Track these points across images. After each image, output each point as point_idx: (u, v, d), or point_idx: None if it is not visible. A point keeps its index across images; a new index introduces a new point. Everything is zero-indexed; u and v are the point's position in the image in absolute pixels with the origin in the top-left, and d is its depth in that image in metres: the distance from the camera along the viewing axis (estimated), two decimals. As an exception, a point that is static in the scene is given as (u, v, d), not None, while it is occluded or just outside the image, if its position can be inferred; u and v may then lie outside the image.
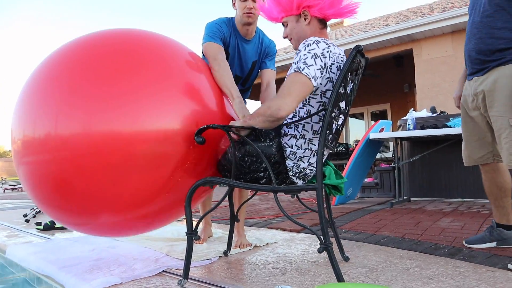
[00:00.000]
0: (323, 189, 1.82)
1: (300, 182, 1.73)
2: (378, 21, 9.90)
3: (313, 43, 1.61)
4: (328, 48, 1.64)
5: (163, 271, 1.97)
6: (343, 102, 1.69)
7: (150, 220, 1.86)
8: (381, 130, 4.50)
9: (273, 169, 1.65)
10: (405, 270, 1.84)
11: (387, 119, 9.78)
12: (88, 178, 1.59)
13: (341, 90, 1.61)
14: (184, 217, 1.73)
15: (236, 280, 1.78)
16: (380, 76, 9.32)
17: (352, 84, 1.74)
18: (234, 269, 1.96)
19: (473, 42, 1.99)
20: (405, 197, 4.49)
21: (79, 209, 1.71)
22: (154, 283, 1.79)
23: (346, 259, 2.03)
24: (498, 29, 1.87)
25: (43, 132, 1.61)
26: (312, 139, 1.67)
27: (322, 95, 1.65)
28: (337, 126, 1.76)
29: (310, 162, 1.70)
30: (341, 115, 1.72)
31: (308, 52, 1.58)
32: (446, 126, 4.02)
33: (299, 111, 1.69)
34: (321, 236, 1.50)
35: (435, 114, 4.58)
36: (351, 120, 11.59)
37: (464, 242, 2.27)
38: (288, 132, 1.69)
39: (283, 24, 1.85)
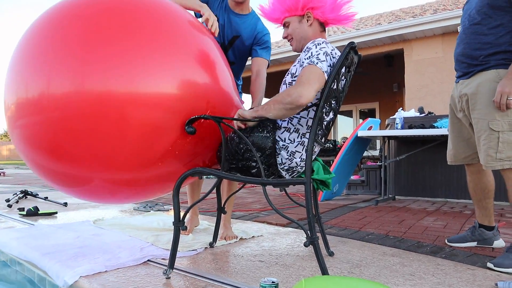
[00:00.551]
0: (311, 184, 1.83)
1: (287, 176, 1.75)
2: (370, 20, 9.94)
3: (322, 43, 1.66)
4: (333, 50, 1.70)
5: (148, 260, 1.96)
6: (335, 98, 1.70)
7: (139, 189, 1.82)
8: (370, 128, 4.54)
9: (265, 161, 1.66)
10: (389, 267, 1.87)
11: (375, 118, 9.86)
12: (80, 140, 1.55)
13: (333, 86, 1.62)
14: (172, 207, 1.73)
15: (221, 272, 1.79)
16: (370, 74, 9.39)
17: (344, 81, 1.75)
18: (219, 261, 1.97)
19: (461, 47, 2.06)
20: (390, 196, 4.55)
21: (71, 172, 1.68)
22: (139, 272, 1.78)
23: (331, 254, 2.06)
24: (484, 36, 1.95)
25: (36, 92, 1.56)
26: (305, 134, 1.68)
27: (321, 92, 1.67)
28: (328, 122, 1.77)
29: (302, 158, 1.71)
30: (332, 111, 1.73)
31: (320, 49, 1.62)
32: (433, 127, 4.07)
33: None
34: (308, 230, 1.52)
35: (423, 115, 4.64)
36: (339, 117, 11.66)
37: (446, 241, 2.32)
38: (282, 125, 1.70)
39: (284, 25, 1.87)
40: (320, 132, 1.66)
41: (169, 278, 1.70)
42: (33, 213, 3.41)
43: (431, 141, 4.32)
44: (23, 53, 1.68)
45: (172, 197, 1.70)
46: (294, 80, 1.71)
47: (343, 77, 1.70)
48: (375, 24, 8.30)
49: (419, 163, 4.62)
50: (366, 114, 11.10)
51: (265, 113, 1.63)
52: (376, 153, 7.58)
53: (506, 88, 1.80)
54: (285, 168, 1.72)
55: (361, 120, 4.83)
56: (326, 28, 1.86)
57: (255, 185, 6.10)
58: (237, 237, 2.43)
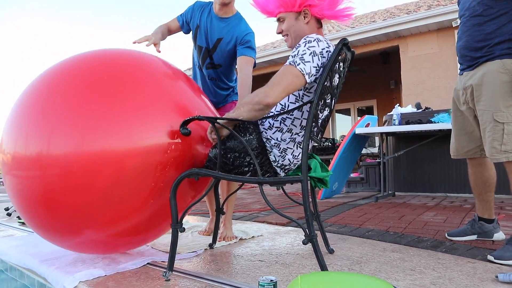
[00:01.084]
0: (309, 182, 1.83)
1: (282, 174, 1.74)
2: (365, 18, 9.94)
3: (314, 41, 1.61)
4: (328, 48, 1.64)
5: (147, 263, 1.96)
6: (329, 95, 1.70)
7: (143, 236, 1.89)
8: (367, 125, 4.53)
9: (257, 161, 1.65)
10: (389, 262, 1.87)
11: (373, 115, 9.87)
12: (77, 193, 1.60)
13: (327, 83, 1.61)
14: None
15: (221, 272, 1.78)
16: (367, 72, 9.39)
17: (339, 78, 1.75)
18: (219, 262, 1.96)
19: (463, 40, 2.03)
20: (390, 192, 4.54)
21: (63, 224, 1.71)
22: (138, 275, 1.78)
23: (331, 251, 2.05)
24: (487, 26, 1.91)
25: (34, 150, 1.61)
26: (299, 133, 1.67)
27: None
28: (323, 118, 1.76)
29: (294, 155, 1.71)
30: (327, 108, 1.73)
31: (307, 49, 1.58)
32: (431, 122, 4.07)
33: (289, 105, 1.69)
34: (306, 228, 1.51)
35: (420, 110, 4.64)
36: (337, 116, 11.65)
37: (446, 235, 2.32)
38: (274, 125, 1.69)
39: (278, 19, 1.82)
40: (315, 129, 1.65)
41: (168, 280, 1.69)
42: (32, 220, 3.39)
43: (429, 136, 4.32)
44: (26, 107, 1.73)
45: (169, 200, 1.69)
46: None
47: (336, 74, 1.70)
48: (369, 21, 8.31)
49: (418, 158, 4.61)
50: (364, 112, 11.09)
51: (236, 115, 1.60)
52: (375, 150, 7.58)
53: None
54: (279, 165, 1.71)
55: (359, 118, 4.84)
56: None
57: (254, 185, 6.09)
58: (236, 238, 2.42)
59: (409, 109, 4.67)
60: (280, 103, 1.72)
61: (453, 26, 6.78)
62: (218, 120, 1.64)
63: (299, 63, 1.54)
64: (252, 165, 1.65)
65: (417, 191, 4.65)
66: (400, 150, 4.47)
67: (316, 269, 1.77)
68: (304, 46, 1.59)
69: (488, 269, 1.73)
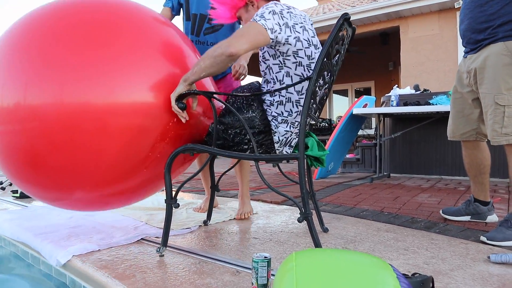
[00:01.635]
0: (305, 160, 1.81)
1: (288, 151, 1.72)
2: (366, -3, 9.77)
3: (271, 4, 1.62)
4: (288, 9, 1.65)
5: (141, 239, 1.95)
6: (328, 72, 1.67)
7: (127, 196, 1.81)
8: (365, 106, 4.51)
9: (257, 140, 1.63)
10: (383, 242, 1.88)
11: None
12: (60, 152, 1.51)
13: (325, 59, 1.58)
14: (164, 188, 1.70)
15: (215, 249, 1.78)
16: (366, 53, 9.29)
17: (338, 55, 1.71)
18: (213, 238, 1.96)
19: (466, 22, 1.99)
20: (385, 173, 4.56)
21: (52, 184, 1.63)
22: (132, 250, 1.77)
23: (326, 230, 2.05)
24: (489, 7, 1.87)
25: (11, 101, 1.50)
26: (299, 100, 1.66)
27: (295, 55, 1.64)
28: (321, 96, 1.74)
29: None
30: (326, 85, 1.70)
31: (266, 9, 1.59)
32: (429, 104, 4.05)
33: (276, 75, 1.67)
34: (301, 206, 1.50)
35: (418, 92, 4.61)
36: (334, 97, 11.60)
37: (440, 212, 2.33)
38: (274, 100, 1.66)
39: (239, 19, 1.88)
40: (313, 106, 1.63)
41: (162, 256, 1.69)
42: (27, 195, 3.38)
43: (426, 118, 4.31)
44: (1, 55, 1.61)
45: (164, 175, 1.67)
46: (264, 57, 1.71)
47: (336, 51, 1.66)
48: (371, 0, 8.17)
49: (414, 140, 4.61)
50: (361, 93, 11.03)
51: (197, 75, 1.55)
52: (371, 131, 7.57)
53: None
54: (283, 144, 1.70)
55: (356, 99, 4.79)
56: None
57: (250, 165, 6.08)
58: (251, 213, 2.44)
59: (408, 90, 4.64)
60: (268, 76, 1.71)
61: (455, 7, 6.66)
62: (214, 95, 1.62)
63: (260, 20, 1.54)
64: (252, 143, 1.63)
65: (412, 173, 4.66)
66: (397, 132, 4.46)
67: (310, 247, 1.77)
68: (262, 9, 1.61)
69: (480, 250, 1.74)
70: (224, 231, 2.11)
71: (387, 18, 7.68)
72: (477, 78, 1.95)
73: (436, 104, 3.94)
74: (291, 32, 1.60)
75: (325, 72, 1.63)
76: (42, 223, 2.29)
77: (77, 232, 2.06)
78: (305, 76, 1.63)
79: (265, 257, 1.19)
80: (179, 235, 2.03)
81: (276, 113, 1.68)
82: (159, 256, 1.68)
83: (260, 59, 1.74)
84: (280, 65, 1.65)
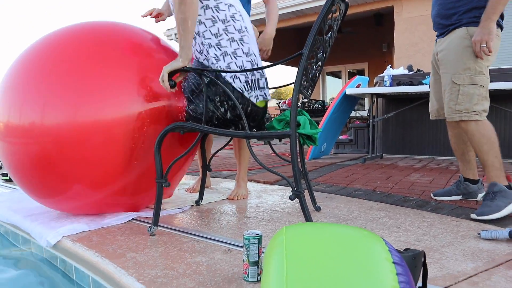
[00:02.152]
0: (297, 139, 1.80)
1: (262, 94, 1.78)
2: (360, -24, 9.60)
3: None
4: None
5: (133, 219, 1.94)
6: (321, 48, 1.63)
7: (136, 197, 1.94)
8: (358, 86, 4.47)
9: (231, 114, 1.64)
10: (375, 220, 1.88)
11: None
12: (70, 160, 1.67)
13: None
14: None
15: (207, 228, 1.77)
16: (359, 34, 9.21)
17: (331, 30, 1.67)
18: (205, 218, 1.95)
19: (436, 9, 2.09)
20: (377, 154, 4.56)
21: (59, 187, 1.75)
22: (123, 230, 1.76)
23: (318, 209, 2.05)
24: None
25: (28, 121, 1.67)
26: (227, 29, 1.74)
27: (216, 9, 1.70)
28: (314, 73, 1.70)
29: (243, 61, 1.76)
30: (318, 62, 1.67)
31: None
32: (422, 84, 4.03)
33: (199, 32, 1.73)
34: (293, 184, 1.49)
35: (411, 72, 4.58)
36: (328, 78, 11.54)
37: (431, 195, 2.34)
38: (218, 55, 1.73)
39: None
40: (305, 83, 1.60)
41: (154, 235, 1.68)
42: (16, 177, 3.34)
43: (419, 99, 4.29)
44: (18, 78, 1.76)
45: (154, 153, 1.65)
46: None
47: (328, 27, 1.62)
48: (364, -20, 8.03)
49: (407, 121, 4.60)
50: (355, 75, 10.99)
51: (184, 34, 1.59)
52: (364, 113, 7.56)
53: (477, 36, 1.84)
54: (250, 89, 1.76)
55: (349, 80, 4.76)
56: None
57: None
58: (247, 196, 2.41)
59: (401, 71, 4.61)
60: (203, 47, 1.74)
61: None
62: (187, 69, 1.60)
63: None
64: (222, 118, 1.70)
65: (405, 154, 4.68)
66: (390, 112, 4.45)
67: (302, 225, 1.77)
68: None
69: (471, 227, 1.75)
70: (216, 210, 2.10)
71: (381, -2, 7.58)
72: (439, 60, 2.07)
73: (429, 84, 3.92)
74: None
75: (318, 48, 1.60)
76: (31, 205, 2.27)
77: (67, 213, 2.03)
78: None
79: (256, 234, 1.18)
80: (170, 215, 2.02)
81: (226, 64, 1.71)
82: (150, 235, 1.67)
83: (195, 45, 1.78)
84: (213, 18, 1.71)
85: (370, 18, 8.67)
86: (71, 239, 1.65)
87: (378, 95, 4.49)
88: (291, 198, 1.48)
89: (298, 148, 1.68)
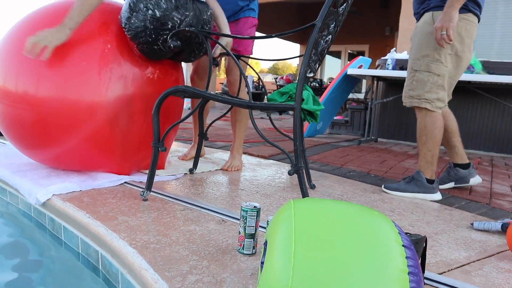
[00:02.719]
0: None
1: None
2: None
3: None
4: None
5: (125, 182, 1.90)
6: (333, 21, 1.57)
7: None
8: (360, 67, 4.41)
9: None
10: (369, 203, 1.87)
11: (365, 59, 9.71)
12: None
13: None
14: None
15: (201, 197, 1.75)
16: (363, 15, 9.05)
17: (345, 3, 1.61)
18: (199, 187, 1.93)
19: None
20: (372, 137, 4.55)
21: (57, 142, 1.79)
22: (115, 193, 1.72)
23: (313, 187, 2.04)
24: None
25: (22, 89, 1.73)
26: None
27: None
28: (323, 48, 1.65)
29: None
30: (329, 36, 1.61)
31: None
32: (424, 70, 3.97)
33: None
34: (293, 158, 1.46)
35: (414, 58, 4.52)
36: (327, 58, 11.40)
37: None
38: None
39: None
40: (314, 56, 1.54)
41: (146, 200, 1.65)
42: (5, 131, 3.25)
43: (420, 85, 4.25)
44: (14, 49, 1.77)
45: (152, 116, 1.59)
46: None
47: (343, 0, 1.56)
48: (375, -41, 7.84)
49: (405, 107, 4.56)
50: (355, 56, 10.87)
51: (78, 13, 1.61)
52: (361, 96, 7.51)
53: (438, 23, 1.83)
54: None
55: (349, 62, 4.68)
56: None
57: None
58: (240, 169, 2.38)
59: (405, 55, 4.53)
60: None
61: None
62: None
63: None
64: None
65: (400, 139, 4.67)
66: (389, 96, 4.41)
67: (297, 202, 1.75)
68: None
69: (464, 217, 1.76)
70: (210, 180, 2.07)
71: (390, -21, 7.42)
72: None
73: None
74: None
75: (330, 21, 1.54)
76: (21, 160, 2.21)
77: (58, 172, 1.99)
78: None
79: (254, 207, 1.15)
80: (164, 181, 1.99)
81: None
82: (143, 200, 1.64)
83: None
84: None
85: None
86: (61, 198, 1.61)
87: (379, 78, 4.44)
88: (290, 174, 1.45)
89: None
